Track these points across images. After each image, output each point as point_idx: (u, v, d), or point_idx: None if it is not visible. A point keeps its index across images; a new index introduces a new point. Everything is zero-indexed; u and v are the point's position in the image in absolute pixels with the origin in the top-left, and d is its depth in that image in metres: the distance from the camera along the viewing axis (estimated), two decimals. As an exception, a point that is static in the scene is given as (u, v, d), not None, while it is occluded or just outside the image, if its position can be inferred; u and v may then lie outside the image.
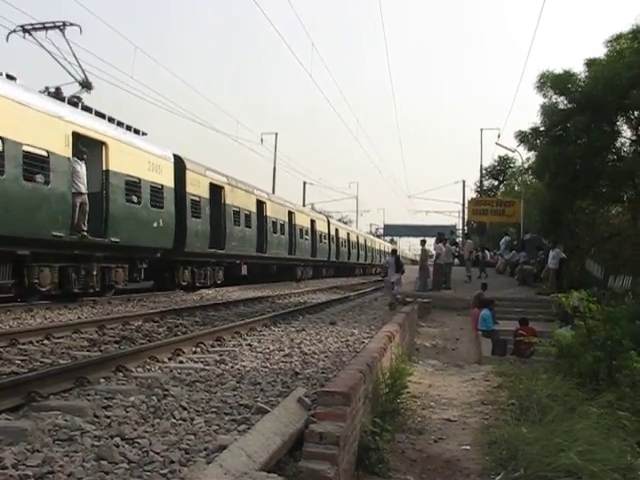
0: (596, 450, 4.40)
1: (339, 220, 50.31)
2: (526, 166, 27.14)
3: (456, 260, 24.26)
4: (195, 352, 7.21)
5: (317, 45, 80.00)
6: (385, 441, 4.62)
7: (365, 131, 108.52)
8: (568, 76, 18.28)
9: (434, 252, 19.98)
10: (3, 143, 10.34)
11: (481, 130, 36.50)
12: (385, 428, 4.77)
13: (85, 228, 12.48)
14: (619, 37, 17.41)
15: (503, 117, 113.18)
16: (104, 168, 13.27)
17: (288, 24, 23.52)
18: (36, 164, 11.18)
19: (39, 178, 11.26)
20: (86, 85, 14.28)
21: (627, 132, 18.90)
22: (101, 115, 13.84)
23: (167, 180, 15.92)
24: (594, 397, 6.35)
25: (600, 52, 17.96)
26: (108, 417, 4.00)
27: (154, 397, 4.57)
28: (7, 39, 13.41)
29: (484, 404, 6.70)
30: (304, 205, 41.37)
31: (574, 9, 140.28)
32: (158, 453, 3.29)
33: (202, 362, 6.37)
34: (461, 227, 47.40)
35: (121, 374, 5.60)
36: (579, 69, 18.31)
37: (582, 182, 18.04)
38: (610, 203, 21.39)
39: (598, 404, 5.97)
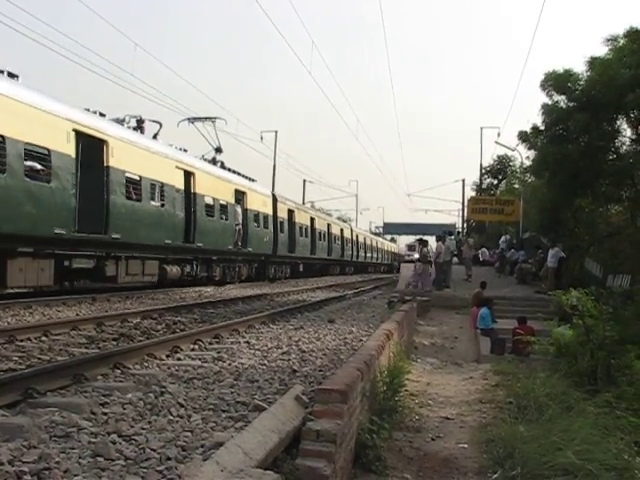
0: (593, 449, 4.39)
1: (338, 218, 50.77)
2: (526, 165, 27.07)
3: (455, 259, 24.24)
4: (193, 349, 7.21)
5: (317, 43, 79.68)
6: (382, 439, 4.61)
7: (365, 129, 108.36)
8: (568, 75, 18.22)
9: (433, 250, 19.97)
10: (214, 200, 19.59)
11: (481, 129, 36.45)
12: (382, 426, 4.76)
13: (240, 244, 21.70)
14: (625, 35, 17.26)
15: (503, 116, 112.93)
16: (244, 207, 22.64)
17: (288, 22, 23.77)
18: (224, 209, 20.47)
19: (224, 216, 20.44)
20: (219, 150, 22.23)
21: (627, 131, 18.84)
22: (238, 173, 22.96)
23: (269, 210, 25.70)
24: (592, 396, 6.34)
25: (601, 51, 17.89)
26: (105, 414, 4.00)
27: (151, 394, 4.57)
28: (178, 125, 22.41)
29: (482, 402, 6.69)
30: (304, 203, 41.96)
31: (575, 7, 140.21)
32: (155, 450, 3.29)
33: (200, 359, 6.38)
34: (460, 226, 47.39)
35: (119, 371, 5.60)
36: (581, 68, 18.27)
37: (582, 181, 17.96)
38: (609, 202, 21.34)
39: (596, 403, 5.96)
